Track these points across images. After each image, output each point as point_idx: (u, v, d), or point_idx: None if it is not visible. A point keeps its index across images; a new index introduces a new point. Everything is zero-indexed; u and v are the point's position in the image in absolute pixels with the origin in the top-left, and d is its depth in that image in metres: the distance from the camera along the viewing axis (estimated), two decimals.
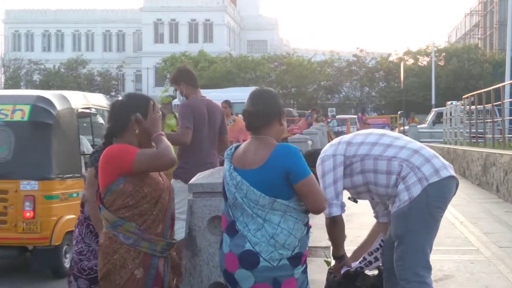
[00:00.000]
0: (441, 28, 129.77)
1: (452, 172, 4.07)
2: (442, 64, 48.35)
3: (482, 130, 17.18)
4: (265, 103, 3.39)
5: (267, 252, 3.24)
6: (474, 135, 18.16)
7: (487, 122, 16.80)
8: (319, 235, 8.57)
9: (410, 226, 3.94)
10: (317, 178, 3.73)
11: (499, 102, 15.70)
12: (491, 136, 15.89)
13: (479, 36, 61.09)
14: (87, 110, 7.84)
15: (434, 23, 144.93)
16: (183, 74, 5.80)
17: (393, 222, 4.06)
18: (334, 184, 3.99)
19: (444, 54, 49.69)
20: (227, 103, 11.73)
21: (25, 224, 6.66)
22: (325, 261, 4.53)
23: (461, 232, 8.46)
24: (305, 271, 3.46)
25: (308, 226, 3.39)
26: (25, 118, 6.91)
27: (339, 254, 4.13)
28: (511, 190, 11.53)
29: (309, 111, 25.58)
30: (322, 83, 51.82)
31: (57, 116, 7.01)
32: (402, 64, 37.99)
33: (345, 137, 4.22)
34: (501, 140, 15.94)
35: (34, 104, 6.99)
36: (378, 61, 51.20)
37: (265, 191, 3.24)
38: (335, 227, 4.03)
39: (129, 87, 63.88)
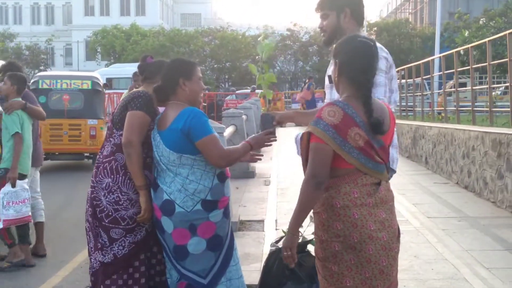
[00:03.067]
0: (374, 3, 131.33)
1: None
2: (374, 38, 48.98)
3: (412, 103, 17.58)
4: (163, 75, 3.84)
5: (180, 199, 3.64)
6: (404, 108, 18.56)
7: (417, 95, 17.20)
8: (253, 209, 8.64)
9: None
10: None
11: (428, 76, 16.07)
12: (420, 109, 16.28)
13: (410, 10, 62.16)
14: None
15: None
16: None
17: None
18: (384, 86, 3.69)
19: (375, 28, 50.36)
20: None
21: (90, 141, 13.37)
22: (283, 231, 4.44)
23: None
24: (226, 216, 3.79)
25: (223, 176, 3.76)
26: (89, 87, 13.60)
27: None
28: (439, 162, 11.87)
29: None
30: (257, 57, 51.75)
31: (102, 86, 14.01)
32: None
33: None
34: (430, 113, 16.35)
35: (93, 80, 13.76)
36: (312, 35, 51.36)
37: (172, 148, 3.66)
38: None
39: (59, 61, 62.29)
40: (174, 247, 3.70)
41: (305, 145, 3.11)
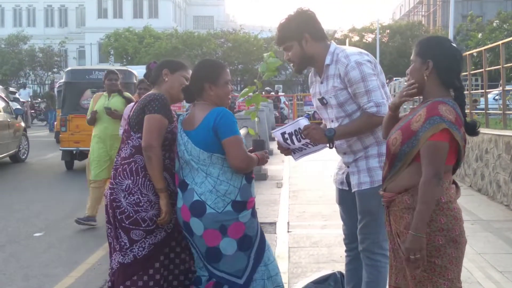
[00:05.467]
0: (386, 6, 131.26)
1: None
2: (387, 41, 48.92)
3: None
4: (191, 77, 3.86)
5: (211, 200, 3.63)
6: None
7: None
8: (265, 211, 8.64)
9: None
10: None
11: None
12: None
13: (423, 13, 62.04)
14: None
15: (379, 1, 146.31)
16: None
17: (365, 199, 3.94)
18: (379, 89, 3.79)
19: (388, 31, 50.25)
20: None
21: None
22: None
23: None
24: (254, 216, 3.81)
25: (250, 177, 3.82)
26: None
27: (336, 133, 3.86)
28: None
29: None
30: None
31: None
32: (347, 41, 38.30)
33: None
34: None
35: None
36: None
37: (203, 147, 3.67)
38: (373, 123, 3.80)
39: (72, 64, 62.63)
40: (206, 250, 3.70)
41: (401, 143, 3.12)
